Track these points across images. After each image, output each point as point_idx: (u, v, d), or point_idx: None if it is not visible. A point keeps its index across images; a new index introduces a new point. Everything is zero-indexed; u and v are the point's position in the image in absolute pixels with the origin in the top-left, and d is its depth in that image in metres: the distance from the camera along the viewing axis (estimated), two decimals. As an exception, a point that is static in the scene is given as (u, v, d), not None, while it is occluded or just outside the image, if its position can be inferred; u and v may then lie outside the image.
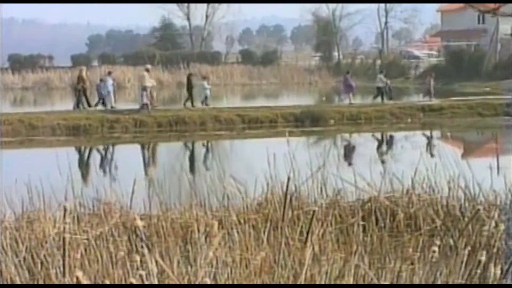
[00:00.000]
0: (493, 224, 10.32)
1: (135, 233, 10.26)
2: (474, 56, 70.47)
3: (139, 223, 8.87)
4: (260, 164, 14.21)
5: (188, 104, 41.41)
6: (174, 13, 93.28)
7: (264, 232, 9.70)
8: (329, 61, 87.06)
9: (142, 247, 8.11)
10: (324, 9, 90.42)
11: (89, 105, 40.56)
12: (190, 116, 38.43)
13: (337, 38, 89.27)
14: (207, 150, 34.33)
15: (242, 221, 11.25)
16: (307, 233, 8.14)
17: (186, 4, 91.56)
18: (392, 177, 14.20)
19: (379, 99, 44.92)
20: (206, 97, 42.30)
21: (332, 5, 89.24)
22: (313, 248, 8.55)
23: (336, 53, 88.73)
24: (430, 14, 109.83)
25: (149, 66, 44.13)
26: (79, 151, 33.63)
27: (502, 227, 10.05)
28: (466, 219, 12.41)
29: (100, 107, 40.43)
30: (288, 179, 9.54)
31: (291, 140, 14.36)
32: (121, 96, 52.61)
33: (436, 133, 37.88)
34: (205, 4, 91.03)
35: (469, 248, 7.62)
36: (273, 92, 69.33)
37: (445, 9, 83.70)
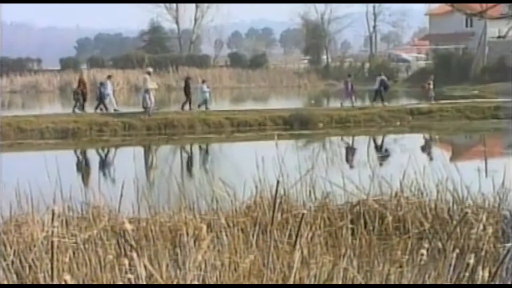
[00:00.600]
0: (481, 227, 10.36)
1: (124, 237, 10.25)
2: (462, 60, 70.63)
3: (128, 226, 8.90)
4: (249, 168, 14.21)
5: (186, 107, 41.50)
6: (162, 16, 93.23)
7: (253, 235, 9.71)
8: (318, 64, 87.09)
9: (130, 250, 8.11)
10: (313, 13, 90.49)
11: (82, 108, 40.57)
12: (178, 119, 38.42)
13: (325, 42, 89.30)
14: (197, 153, 34.30)
15: (231, 224, 11.26)
16: (296, 237, 8.22)
17: (174, 7, 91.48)
18: (380, 180, 14.21)
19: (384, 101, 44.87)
20: (205, 100, 42.42)
21: (320, 9, 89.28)
22: (302, 252, 8.55)
23: (324, 57, 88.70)
24: (418, 17, 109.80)
25: (150, 69, 44.30)
26: (73, 154, 33.54)
27: (490, 230, 10.09)
28: (454, 222, 12.45)
29: (99, 110, 40.46)
30: (277, 182, 9.54)
31: (280, 144, 14.32)
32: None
33: (424, 136, 37.93)
34: (194, 7, 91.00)
35: (457, 251, 7.63)
36: (262, 95, 69.31)
37: (433, 13, 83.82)
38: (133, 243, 9.25)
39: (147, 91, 39.36)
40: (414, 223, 13.11)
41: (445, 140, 35.98)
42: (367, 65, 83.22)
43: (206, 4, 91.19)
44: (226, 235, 9.84)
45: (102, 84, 41.75)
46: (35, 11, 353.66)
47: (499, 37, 53.15)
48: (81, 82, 41.42)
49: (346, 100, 44.61)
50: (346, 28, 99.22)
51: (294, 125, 38.69)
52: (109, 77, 43.86)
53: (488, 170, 16.47)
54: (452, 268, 7.29)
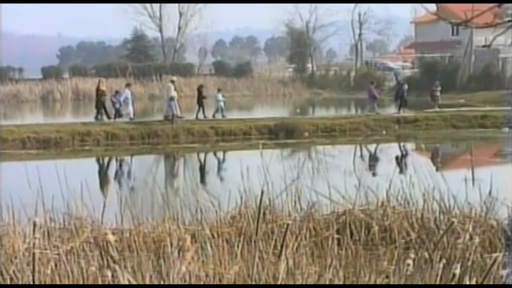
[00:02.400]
0: (467, 236, 10.28)
1: (107, 248, 10.13)
2: (448, 68, 70.53)
3: (111, 237, 8.79)
4: (234, 177, 14.14)
5: (200, 115, 41.40)
6: (146, 24, 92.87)
7: (237, 246, 9.68)
8: (302, 72, 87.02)
9: (114, 262, 8.03)
10: (298, 21, 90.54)
11: (108, 117, 40.55)
12: (162, 128, 38.19)
13: (310, 50, 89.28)
14: (181, 163, 34.10)
15: (215, 235, 11.19)
16: (281, 247, 8.13)
17: (158, 16, 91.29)
18: (367, 189, 14.15)
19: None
20: (221, 109, 42.67)
21: (305, 17, 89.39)
22: (287, 262, 8.52)
23: (309, 65, 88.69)
24: (404, 25, 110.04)
25: (174, 78, 44.13)
26: (56, 164, 33.11)
27: (477, 239, 10.01)
28: (441, 231, 12.37)
29: (118, 118, 40.44)
30: (262, 192, 9.49)
31: (265, 153, 14.26)
32: (92, 109, 51.92)
33: (410, 145, 37.84)
34: (178, 16, 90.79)
35: (444, 261, 7.75)
36: (247, 104, 69.21)
37: (419, 21, 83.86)
38: (116, 254, 9.12)
39: (171, 99, 39.23)
40: (401, 233, 13.07)
41: (431, 149, 35.89)
42: (352, 73, 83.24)
43: (190, 12, 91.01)
44: (211, 246, 9.80)
45: (117, 92, 41.72)
46: (16, 19, 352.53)
47: (484, 46, 53.20)
48: (100, 91, 41.28)
49: (372, 107, 44.42)
50: (331, 36, 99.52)
51: (279, 134, 38.55)
52: (128, 85, 43.57)
53: (475, 179, 16.43)
54: (438, 278, 7.40)
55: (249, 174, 13.68)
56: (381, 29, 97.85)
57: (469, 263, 8.74)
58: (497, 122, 41.06)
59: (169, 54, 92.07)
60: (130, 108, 40.99)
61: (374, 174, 25.64)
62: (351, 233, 12.82)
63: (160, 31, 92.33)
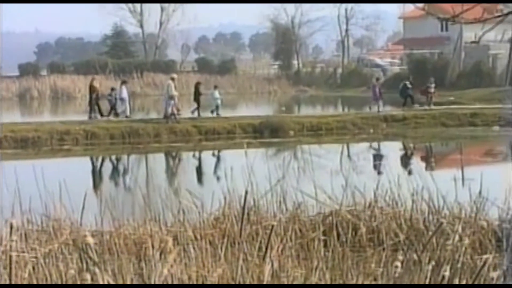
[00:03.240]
0: (457, 237, 10.12)
1: (86, 251, 9.93)
2: (438, 65, 70.08)
3: (90, 240, 8.58)
4: (218, 177, 14.00)
5: (196, 113, 41.36)
6: (126, 20, 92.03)
7: (221, 248, 9.49)
8: (288, 69, 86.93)
9: (93, 265, 7.89)
10: (283, 16, 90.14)
11: (101, 115, 40.34)
12: (143, 127, 37.81)
13: (296, 46, 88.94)
14: (163, 163, 33.89)
15: (198, 236, 11.11)
16: (266, 249, 8.12)
17: (139, 11, 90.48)
18: (354, 189, 13.99)
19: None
20: (217, 107, 42.70)
21: (291, 12, 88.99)
22: (272, 265, 8.36)
23: (295, 62, 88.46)
24: (392, 21, 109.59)
25: (175, 75, 43.83)
26: (33, 164, 32.74)
27: (466, 241, 9.85)
28: (430, 232, 12.23)
29: (111, 116, 40.26)
30: (246, 192, 9.33)
31: (249, 152, 14.08)
32: (71, 107, 51.79)
33: (398, 144, 37.74)
34: (159, 11, 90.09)
35: (433, 262, 7.61)
36: (231, 102, 69.03)
37: (407, 16, 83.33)
38: (95, 257, 8.92)
39: (171, 97, 38.78)
40: (389, 234, 12.97)
41: (420, 148, 35.81)
42: (339, 70, 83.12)
43: (171, 7, 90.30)
44: (193, 248, 9.64)
45: (113, 89, 41.52)
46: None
47: (472, 42, 53.20)
48: (93, 88, 41.04)
49: (374, 104, 44.23)
50: (317, 32, 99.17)
51: (264, 133, 38.36)
52: (124, 82, 43.38)
53: (465, 179, 16.29)
54: (427, 280, 7.22)
55: (233, 174, 13.54)
56: (369, 24, 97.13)
57: (459, 265, 8.62)
58: (488, 120, 41.10)
59: (150, 51, 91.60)
60: (127, 106, 40.86)
61: (378, 173, 25.30)
62: (338, 235, 12.67)
63: (141, 26, 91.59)
